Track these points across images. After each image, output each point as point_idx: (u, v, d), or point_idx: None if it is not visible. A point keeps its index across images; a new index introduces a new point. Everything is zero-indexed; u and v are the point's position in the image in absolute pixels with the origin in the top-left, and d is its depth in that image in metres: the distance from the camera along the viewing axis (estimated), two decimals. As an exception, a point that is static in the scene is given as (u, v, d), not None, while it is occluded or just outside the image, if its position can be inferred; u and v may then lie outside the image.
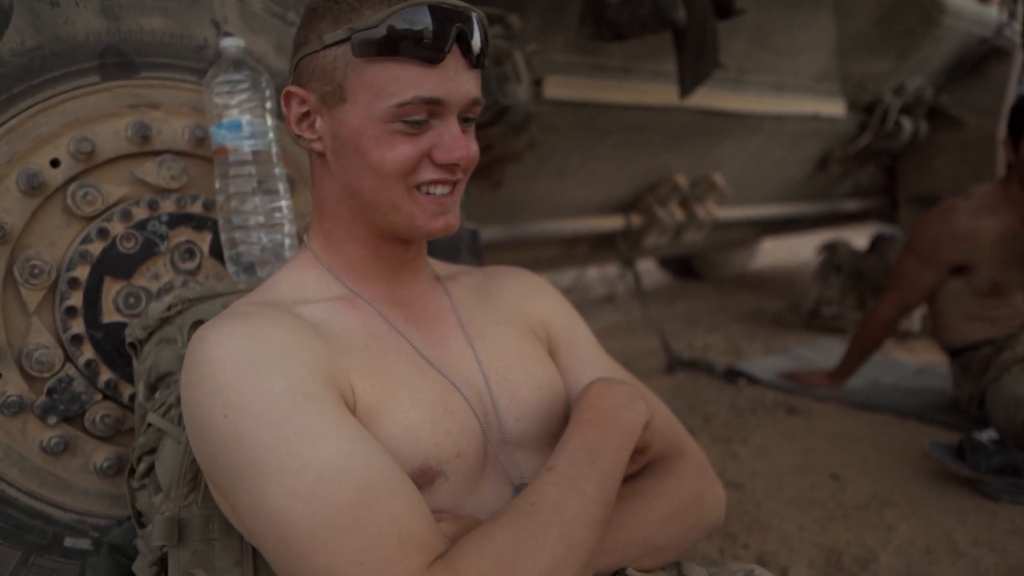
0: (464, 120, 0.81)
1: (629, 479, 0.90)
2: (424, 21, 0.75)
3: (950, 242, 2.21)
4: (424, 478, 0.75)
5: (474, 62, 0.79)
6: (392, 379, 0.79)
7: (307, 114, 0.83)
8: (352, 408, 0.74)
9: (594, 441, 0.77)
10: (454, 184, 0.82)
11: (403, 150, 0.78)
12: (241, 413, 0.68)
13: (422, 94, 0.76)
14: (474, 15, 0.79)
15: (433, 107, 0.77)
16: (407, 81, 0.75)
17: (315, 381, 0.71)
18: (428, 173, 0.80)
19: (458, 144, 0.78)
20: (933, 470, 1.87)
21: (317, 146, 0.83)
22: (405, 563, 0.62)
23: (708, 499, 0.93)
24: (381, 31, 0.75)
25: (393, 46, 0.75)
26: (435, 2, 0.76)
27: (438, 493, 0.77)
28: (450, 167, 0.80)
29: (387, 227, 0.83)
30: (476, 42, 0.78)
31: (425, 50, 0.75)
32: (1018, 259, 2.15)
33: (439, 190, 0.81)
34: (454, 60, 0.77)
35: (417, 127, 0.78)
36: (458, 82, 0.78)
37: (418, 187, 0.80)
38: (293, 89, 0.82)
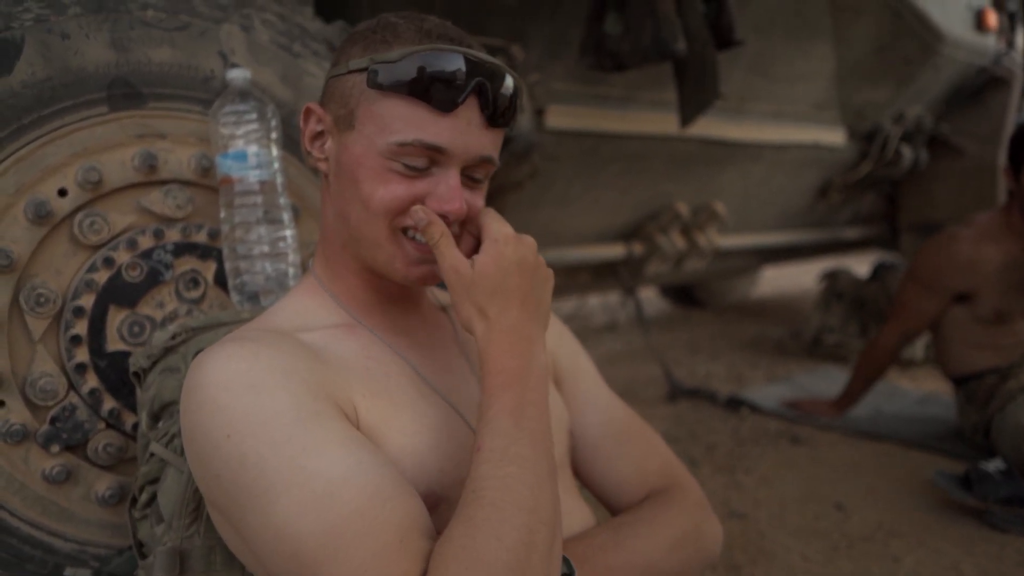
0: (471, 177, 0.81)
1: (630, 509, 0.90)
2: (444, 67, 0.74)
3: (952, 270, 2.21)
4: (428, 503, 0.75)
5: (492, 120, 0.78)
6: (395, 402, 0.79)
7: (321, 133, 0.84)
8: (355, 427, 0.74)
9: (512, 404, 0.73)
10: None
11: (395, 189, 0.77)
12: (244, 433, 0.67)
13: (424, 139, 0.75)
14: (505, 74, 0.78)
15: (435, 154, 0.77)
16: (412, 122, 0.75)
17: (316, 399, 0.71)
18: (413, 219, 0.78)
19: (452, 196, 0.77)
20: (939, 500, 1.85)
21: (323, 166, 0.85)
22: (404, 568, 0.62)
23: (706, 532, 0.93)
24: (398, 67, 0.75)
25: (406, 84, 0.75)
26: (462, 51, 0.75)
27: (442, 518, 0.76)
28: (442, 217, 0.78)
29: (370, 263, 0.83)
30: (501, 101, 0.78)
31: (437, 96, 0.75)
32: (1020, 287, 2.15)
33: (422, 238, 0.79)
34: (469, 113, 0.77)
35: (414, 171, 0.77)
36: (468, 136, 0.77)
37: (404, 230, 0.80)
38: (312, 106, 0.84)
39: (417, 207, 0.77)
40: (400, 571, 0.62)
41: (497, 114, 0.78)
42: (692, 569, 0.89)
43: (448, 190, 0.77)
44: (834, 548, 1.64)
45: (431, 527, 0.68)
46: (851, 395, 2.50)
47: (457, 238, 0.82)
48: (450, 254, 0.77)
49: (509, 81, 0.79)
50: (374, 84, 0.77)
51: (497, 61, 0.78)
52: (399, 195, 0.78)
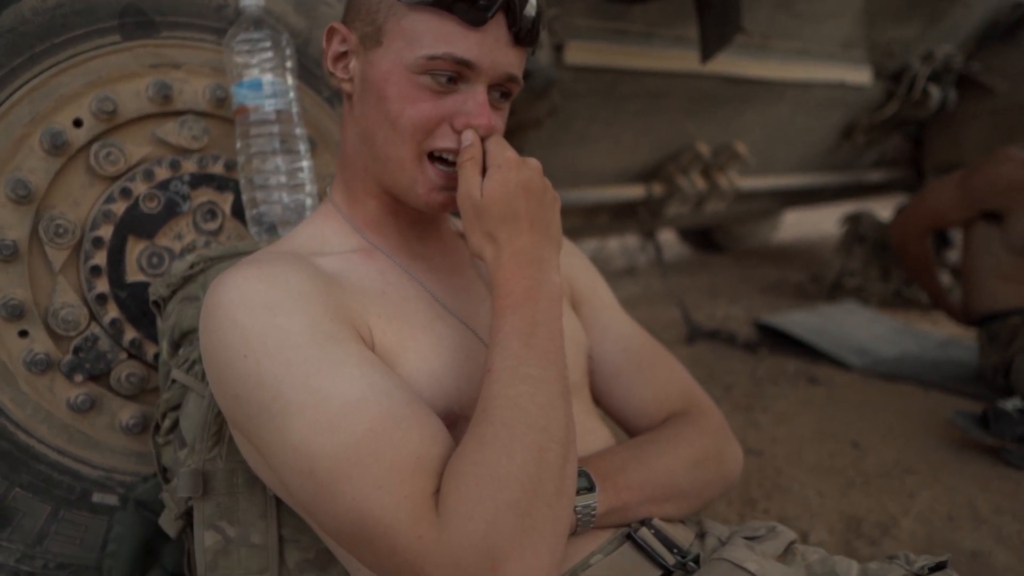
0: (499, 95, 0.80)
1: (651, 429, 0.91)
2: None
3: (991, 185, 2.19)
4: (447, 421, 0.75)
5: (518, 38, 0.77)
6: (412, 324, 0.79)
7: (344, 54, 0.83)
8: (371, 349, 0.74)
9: (522, 324, 0.72)
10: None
11: (423, 108, 0.77)
12: (260, 352, 0.68)
13: (454, 52, 0.75)
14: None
15: (463, 69, 0.76)
16: (442, 35, 0.75)
17: (333, 320, 0.71)
18: (444, 140, 0.78)
19: (480, 111, 0.77)
20: (956, 439, 1.85)
21: (347, 87, 0.83)
22: (419, 485, 0.63)
23: (727, 454, 0.93)
24: None
25: None
26: None
27: (461, 435, 0.77)
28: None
29: (391, 187, 0.83)
30: (525, 18, 0.77)
31: (467, 9, 0.74)
32: None
33: (451, 158, 0.79)
34: (497, 29, 0.76)
35: (443, 85, 0.76)
36: (496, 52, 0.76)
37: (431, 154, 0.79)
38: (336, 25, 0.82)
39: (468, 131, 0.77)
40: (416, 488, 0.63)
41: (523, 32, 0.77)
42: (712, 489, 0.90)
43: (476, 106, 0.77)
44: (849, 484, 1.65)
45: (451, 444, 0.68)
46: (938, 295, 2.48)
47: None
48: (471, 179, 0.76)
49: (535, 5, 0.78)
50: None
51: None
52: (428, 113, 0.77)
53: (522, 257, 0.75)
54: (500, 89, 0.80)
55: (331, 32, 0.83)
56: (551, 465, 0.64)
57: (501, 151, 0.77)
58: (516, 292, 0.74)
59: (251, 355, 0.68)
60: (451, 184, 0.80)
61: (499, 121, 0.81)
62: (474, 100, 0.77)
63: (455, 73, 0.76)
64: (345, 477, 0.63)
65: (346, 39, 0.82)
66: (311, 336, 0.69)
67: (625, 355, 0.99)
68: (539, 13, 0.79)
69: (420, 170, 0.80)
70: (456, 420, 0.77)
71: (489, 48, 0.76)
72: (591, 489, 0.76)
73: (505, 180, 0.75)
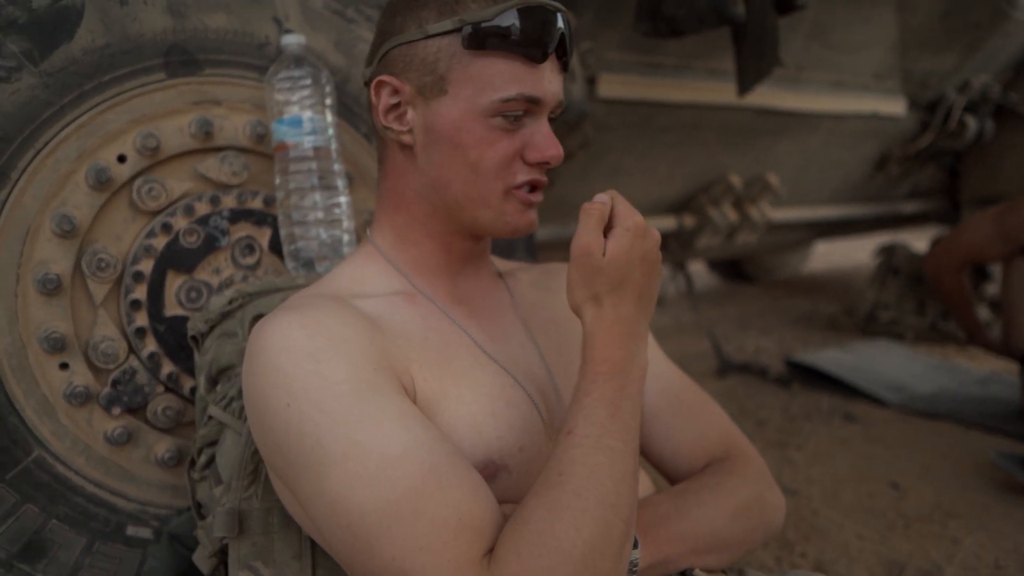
0: (551, 120, 0.83)
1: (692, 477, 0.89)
2: (535, 19, 0.76)
3: None
4: (487, 472, 0.74)
5: (564, 66, 0.81)
6: (453, 371, 0.79)
7: (397, 105, 0.82)
8: (412, 398, 0.74)
9: (611, 394, 0.71)
10: (541, 187, 0.84)
11: (501, 147, 0.79)
12: (302, 402, 0.67)
13: (525, 92, 0.77)
14: (570, 20, 0.81)
15: (531, 106, 0.79)
16: (512, 77, 0.77)
17: (375, 370, 0.71)
18: (522, 175, 0.81)
19: (551, 143, 0.80)
20: (999, 481, 1.80)
21: (406, 138, 0.83)
22: (462, 548, 0.62)
23: (769, 502, 0.91)
24: (495, 25, 0.76)
25: (505, 42, 0.76)
26: (543, 3, 0.78)
27: (501, 487, 0.76)
28: (540, 166, 0.81)
29: (470, 224, 0.83)
30: (568, 43, 0.81)
31: (533, 47, 0.77)
32: None
33: (528, 189, 0.82)
34: (552, 61, 0.80)
35: (514, 123, 0.79)
36: (553, 83, 0.80)
37: (513, 188, 0.81)
38: (386, 78, 0.81)
39: (601, 195, 0.77)
40: (459, 552, 0.62)
41: (568, 57, 0.82)
42: (754, 538, 0.88)
43: (544, 139, 0.80)
44: (890, 527, 1.60)
45: (491, 500, 0.67)
46: (973, 327, 2.44)
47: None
48: (593, 234, 0.75)
49: (570, 28, 0.81)
50: (471, 45, 0.77)
51: (557, 4, 0.80)
52: (507, 152, 0.79)
53: (623, 327, 0.75)
54: (552, 115, 0.83)
55: (380, 85, 0.82)
56: (613, 542, 0.64)
57: (631, 214, 0.76)
58: (611, 360, 0.73)
59: (293, 404, 0.68)
60: (533, 202, 0.83)
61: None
62: (541, 133, 0.80)
63: (524, 111, 0.79)
64: (385, 535, 0.62)
65: (399, 90, 0.81)
66: (354, 385, 0.68)
67: (664, 396, 0.97)
68: (572, 35, 0.83)
69: (505, 203, 0.82)
70: (496, 471, 0.76)
71: (549, 81, 0.80)
72: (634, 544, 0.75)
73: (630, 246, 0.75)
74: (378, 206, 0.90)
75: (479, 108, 0.77)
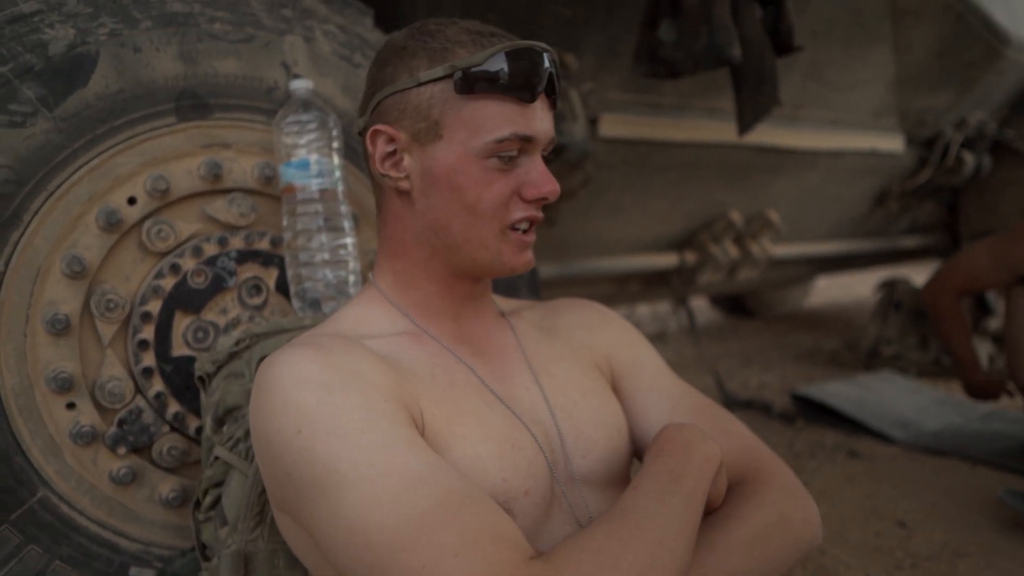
0: (543, 157, 0.85)
1: (707, 513, 0.86)
2: (523, 62, 0.79)
3: None
4: None
5: (553, 103, 0.84)
6: (460, 410, 0.79)
7: (394, 152, 0.84)
8: (421, 432, 0.74)
9: (674, 466, 0.76)
10: (537, 221, 0.85)
11: (497, 187, 0.81)
12: (315, 428, 0.68)
13: (518, 131, 0.79)
14: (555, 58, 0.83)
15: (524, 144, 0.81)
16: (505, 118, 0.79)
17: (387, 400, 0.72)
18: (518, 211, 0.83)
19: (546, 180, 0.82)
20: (1007, 518, 1.78)
21: (404, 184, 0.84)
22: (503, 554, 0.61)
23: (796, 519, 0.86)
24: (484, 70, 0.78)
25: (495, 84, 0.78)
26: (530, 45, 0.80)
27: None
28: (537, 203, 0.83)
29: (469, 265, 0.84)
30: (556, 81, 0.83)
31: (523, 89, 0.79)
32: None
33: (525, 227, 0.84)
34: (540, 100, 0.82)
35: (509, 163, 0.81)
36: (544, 120, 0.82)
37: (510, 226, 0.83)
38: (381, 127, 0.83)
39: None
40: (503, 556, 0.61)
41: (557, 95, 0.84)
42: (782, 559, 0.83)
43: (540, 176, 0.82)
44: (898, 567, 1.59)
45: (514, 523, 0.67)
46: (966, 360, 2.39)
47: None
48: None
49: (554, 64, 0.83)
50: (462, 90, 0.79)
51: (543, 45, 0.82)
52: (503, 192, 0.81)
53: (691, 426, 0.83)
54: (545, 152, 0.85)
55: (375, 134, 0.84)
56: None
57: None
58: (676, 441, 0.80)
59: (305, 431, 0.68)
60: (529, 245, 0.86)
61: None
62: (536, 171, 0.83)
63: (518, 150, 0.81)
64: (413, 546, 0.61)
65: (394, 138, 0.83)
66: (367, 413, 0.69)
67: (674, 412, 0.95)
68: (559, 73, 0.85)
69: (504, 242, 0.83)
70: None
71: (540, 119, 0.82)
72: None
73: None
74: (379, 251, 0.91)
75: (474, 150, 0.80)
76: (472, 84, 0.78)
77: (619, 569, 0.62)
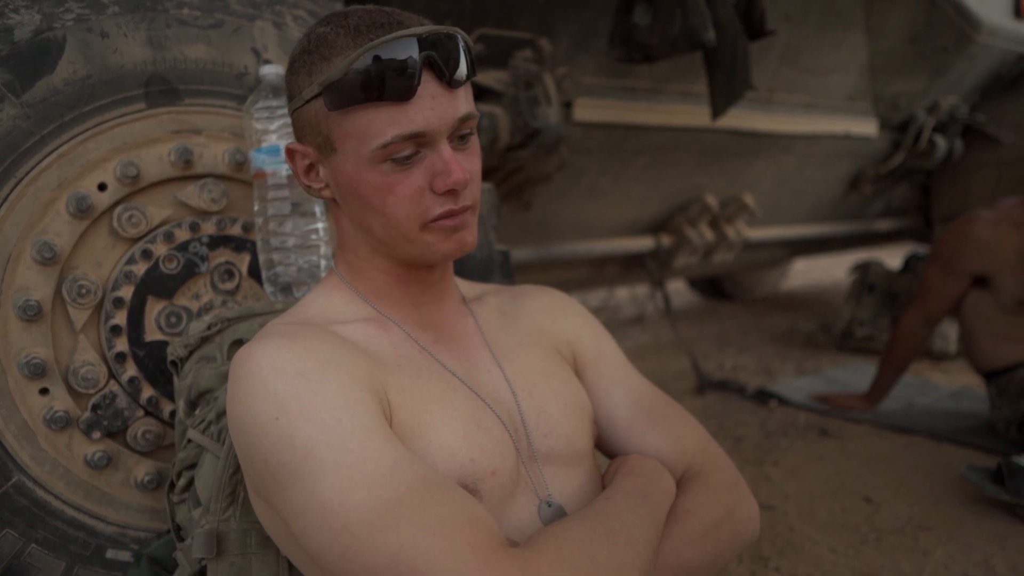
0: (459, 138, 0.81)
1: None
2: (385, 61, 0.74)
3: (968, 250, 2.22)
4: None
5: (453, 82, 0.78)
6: (426, 397, 0.81)
7: (311, 165, 0.86)
8: (389, 422, 0.76)
9: (643, 486, 0.83)
10: (463, 211, 0.82)
11: (401, 189, 0.79)
12: (293, 414, 0.70)
13: (401, 132, 0.76)
14: (446, 33, 0.78)
15: (418, 140, 0.78)
16: (384, 122, 0.76)
17: (362, 389, 0.73)
18: (436, 207, 0.80)
19: (451, 168, 0.78)
20: (970, 494, 1.84)
21: (326, 193, 0.87)
22: (480, 538, 0.63)
23: (741, 515, 0.91)
24: (346, 82, 0.76)
25: (361, 94, 0.76)
26: (396, 35, 0.75)
27: None
28: (451, 195, 0.80)
29: (405, 258, 0.86)
30: (453, 61, 0.77)
31: (394, 89, 0.75)
32: None
33: (449, 223, 0.82)
34: (429, 88, 0.77)
35: (407, 162, 0.78)
36: (438, 109, 0.77)
37: (431, 222, 0.81)
38: (292, 146, 0.86)
39: None
40: (480, 538, 0.63)
41: (456, 74, 0.78)
42: (726, 554, 0.88)
43: (444, 164, 0.78)
44: (863, 541, 1.63)
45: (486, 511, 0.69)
46: (881, 386, 2.48)
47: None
48: None
49: (454, 38, 0.78)
50: (333, 106, 0.78)
51: (429, 24, 0.78)
52: (407, 192, 0.79)
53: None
54: (459, 133, 0.81)
55: (291, 152, 0.86)
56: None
57: None
58: (642, 468, 0.88)
59: (284, 417, 0.70)
60: (458, 224, 0.82)
61: (471, 162, 0.83)
62: (441, 160, 0.78)
63: (413, 145, 0.78)
64: (391, 527, 0.63)
65: (306, 154, 0.85)
66: (344, 400, 0.71)
67: (637, 408, 0.99)
68: (463, 43, 0.79)
69: (427, 234, 0.82)
70: (471, 494, 0.77)
71: (430, 109, 0.77)
72: None
73: None
74: (336, 244, 0.93)
75: (365, 158, 0.78)
76: (339, 98, 0.77)
77: (596, 562, 0.66)
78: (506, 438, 0.84)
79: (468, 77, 0.80)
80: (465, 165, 0.81)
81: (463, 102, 0.80)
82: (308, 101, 0.81)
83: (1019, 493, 1.70)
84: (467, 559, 0.61)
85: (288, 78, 0.85)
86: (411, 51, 0.75)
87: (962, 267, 2.24)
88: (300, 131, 0.85)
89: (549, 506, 0.83)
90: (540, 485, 0.85)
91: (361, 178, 0.80)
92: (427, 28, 0.77)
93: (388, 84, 0.75)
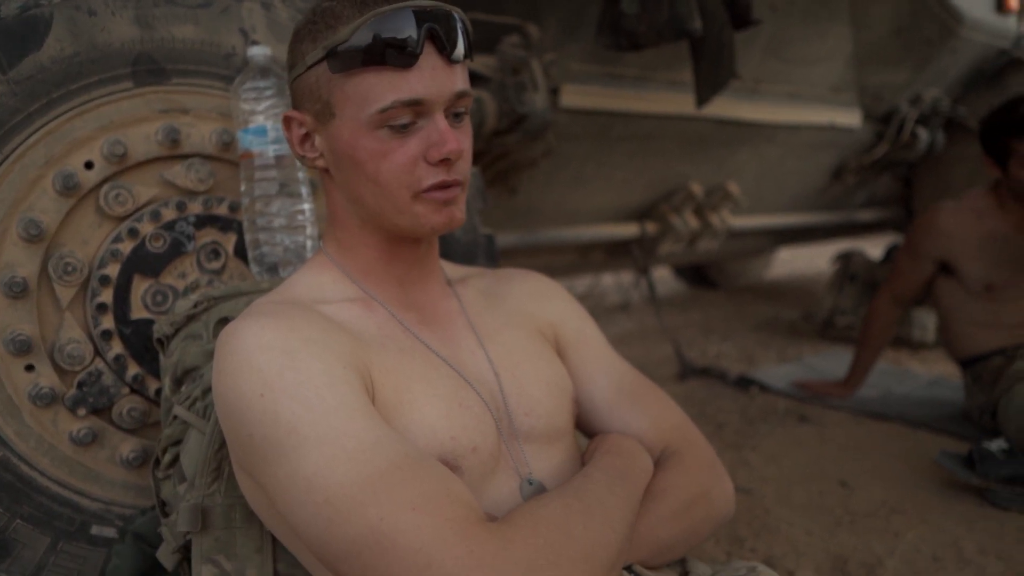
0: (455, 115, 0.84)
1: None
2: (391, 28, 0.77)
3: (930, 237, 2.32)
4: None
5: (452, 58, 0.81)
6: (408, 376, 0.82)
7: (307, 135, 0.87)
8: (372, 401, 0.77)
9: (621, 466, 0.85)
10: (455, 184, 0.84)
11: (396, 156, 0.81)
12: (278, 391, 0.71)
13: (401, 97, 0.79)
14: (448, 11, 0.81)
15: (416, 108, 0.80)
16: (385, 87, 0.79)
17: (345, 368, 0.75)
18: (428, 178, 0.82)
19: (446, 138, 0.80)
20: (943, 479, 1.88)
21: (320, 163, 0.88)
22: (460, 512, 0.65)
23: (716, 494, 0.94)
24: (351, 44, 0.78)
25: (365, 57, 0.78)
26: (402, 5, 0.78)
27: None
28: (444, 165, 0.82)
29: (394, 229, 0.87)
30: (453, 37, 0.80)
31: (396, 55, 0.78)
32: (1011, 261, 2.18)
33: (440, 195, 0.83)
34: (430, 59, 0.80)
35: (404, 130, 0.81)
36: (437, 80, 0.80)
37: (423, 192, 0.83)
38: (290, 113, 0.87)
39: None
40: (458, 513, 0.65)
41: (455, 51, 0.81)
42: (700, 532, 0.91)
43: (439, 135, 0.81)
44: (837, 523, 1.67)
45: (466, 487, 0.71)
46: (858, 370, 2.53)
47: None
48: None
49: (455, 16, 0.81)
50: (336, 69, 0.80)
51: (431, 2, 0.81)
52: (402, 160, 0.81)
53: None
54: (454, 109, 0.84)
55: (287, 120, 0.88)
56: (611, 551, 0.71)
57: None
58: (621, 449, 0.90)
59: (268, 393, 0.71)
60: (449, 197, 0.84)
61: (464, 138, 0.85)
62: (436, 130, 0.81)
63: (411, 113, 0.80)
64: (371, 501, 0.65)
65: (303, 122, 0.87)
66: (328, 378, 0.73)
67: (618, 389, 1.02)
68: (463, 22, 0.83)
69: (419, 205, 0.84)
70: (452, 471, 0.79)
71: (430, 79, 0.79)
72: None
73: None
74: (326, 219, 0.94)
75: (363, 123, 0.80)
76: (343, 61, 0.79)
77: (571, 537, 0.68)
78: (487, 416, 0.86)
79: (466, 56, 0.83)
80: (458, 137, 0.83)
81: (460, 79, 0.83)
82: (311, 67, 0.82)
83: (988, 477, 1.74)
84: (445, 534, 0.63)
85: (291, 47, 0.86)
86: (414, 22, 0.78)
87: (926, 252, 2.34)
88: (299, 99, 0.86)
89: (531, 484, 0.86)
90: (521, 463, 0.87)
91: (358, 143, 0.81)
92: (430, 3, 0.80)
93: (391, 50, 0.78)
